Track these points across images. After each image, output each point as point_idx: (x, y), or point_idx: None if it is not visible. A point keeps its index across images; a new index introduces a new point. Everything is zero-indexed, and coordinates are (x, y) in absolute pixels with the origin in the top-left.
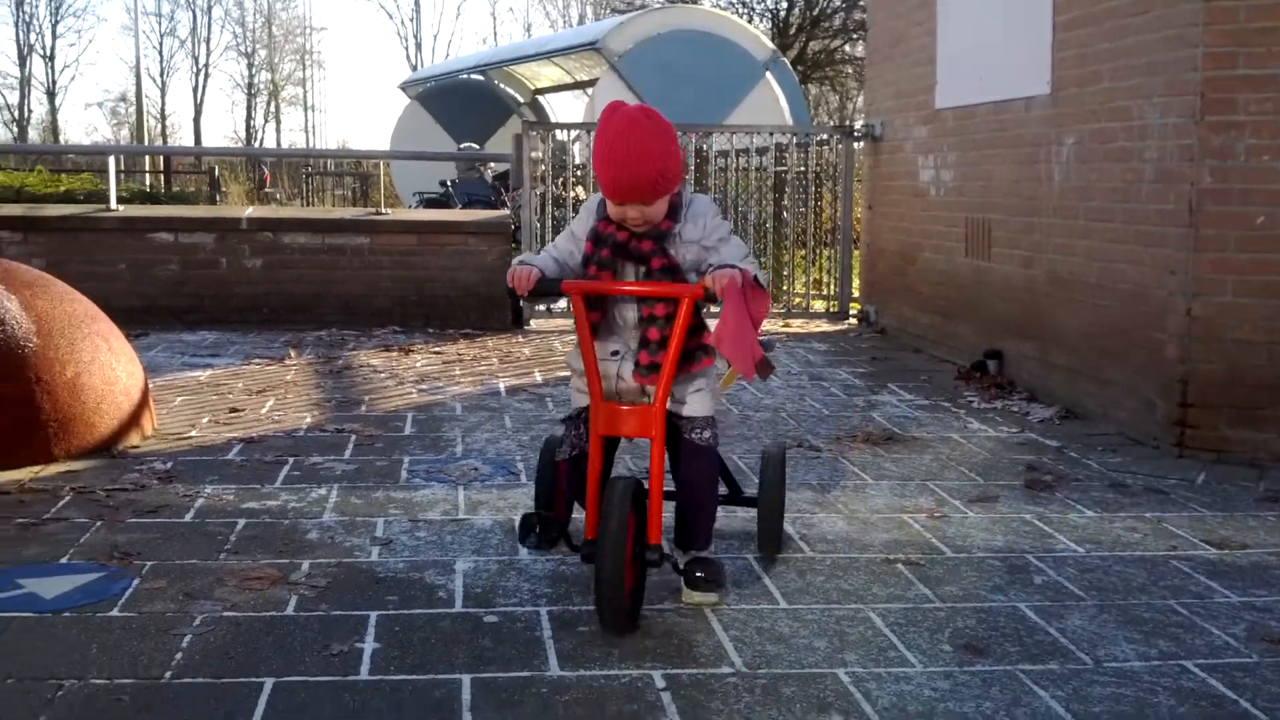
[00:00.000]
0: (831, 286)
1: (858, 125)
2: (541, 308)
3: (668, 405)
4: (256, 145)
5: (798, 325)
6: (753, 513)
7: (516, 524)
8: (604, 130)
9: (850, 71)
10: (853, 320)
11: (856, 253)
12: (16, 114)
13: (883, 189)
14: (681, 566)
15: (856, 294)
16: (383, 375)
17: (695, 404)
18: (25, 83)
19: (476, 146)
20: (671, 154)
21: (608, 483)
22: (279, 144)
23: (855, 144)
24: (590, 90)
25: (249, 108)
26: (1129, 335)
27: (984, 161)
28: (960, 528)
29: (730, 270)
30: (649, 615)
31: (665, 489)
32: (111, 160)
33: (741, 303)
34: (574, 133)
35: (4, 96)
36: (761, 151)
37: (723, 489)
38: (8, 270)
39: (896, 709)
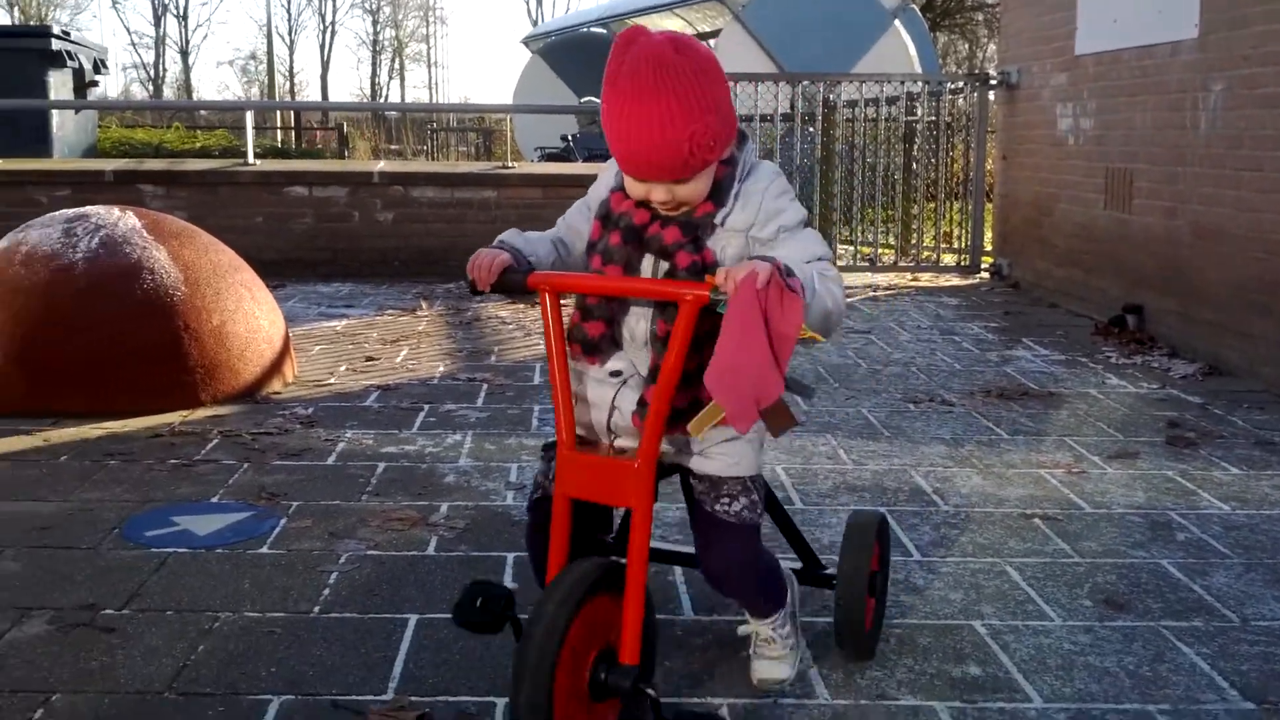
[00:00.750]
0: (962, 239)
1: (992, 73)
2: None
3: (678, 459)
4: (382, 101)
5: (926, 279)
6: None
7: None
8: (613, 75)
9: (980, 19)
10: (984, 274)
11: (988, 204)
12: (152, 72)
13: (1018, 138)
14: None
15: (988, 247)
16: (510, 327)
17: (724, 457)
18: (160, 42)
19: (598, 100)
20: (714, 107)
21: (571, 564)
22: (403, 100)
23: (989, 92)
24: (713, 42)
25: (374, 65)
26: (1278, 288)
27: (1126, 109)
28: (1099, 484)
29: (753, 262)
30: None
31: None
32: (249, 115)
33: (755, 310)
34: None
35: (140, 55)
36: (891, 101)
37: (794, 562)
38: (156, 221)
39: (1035, 661)
